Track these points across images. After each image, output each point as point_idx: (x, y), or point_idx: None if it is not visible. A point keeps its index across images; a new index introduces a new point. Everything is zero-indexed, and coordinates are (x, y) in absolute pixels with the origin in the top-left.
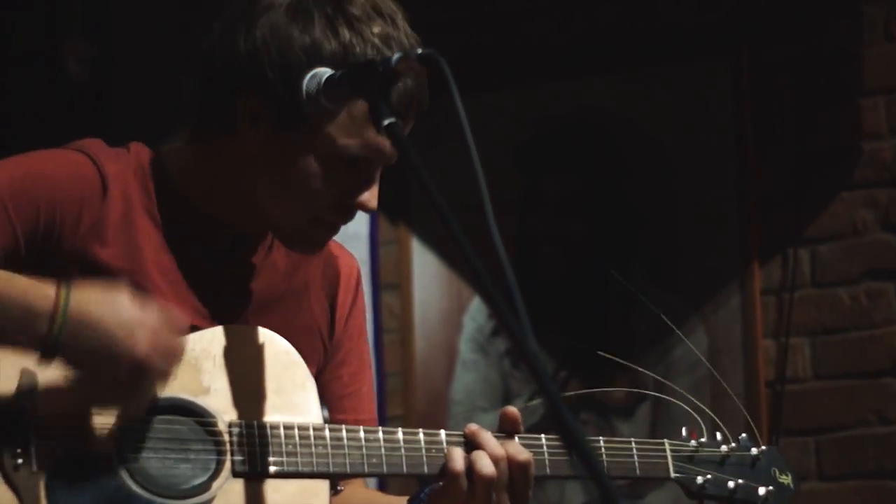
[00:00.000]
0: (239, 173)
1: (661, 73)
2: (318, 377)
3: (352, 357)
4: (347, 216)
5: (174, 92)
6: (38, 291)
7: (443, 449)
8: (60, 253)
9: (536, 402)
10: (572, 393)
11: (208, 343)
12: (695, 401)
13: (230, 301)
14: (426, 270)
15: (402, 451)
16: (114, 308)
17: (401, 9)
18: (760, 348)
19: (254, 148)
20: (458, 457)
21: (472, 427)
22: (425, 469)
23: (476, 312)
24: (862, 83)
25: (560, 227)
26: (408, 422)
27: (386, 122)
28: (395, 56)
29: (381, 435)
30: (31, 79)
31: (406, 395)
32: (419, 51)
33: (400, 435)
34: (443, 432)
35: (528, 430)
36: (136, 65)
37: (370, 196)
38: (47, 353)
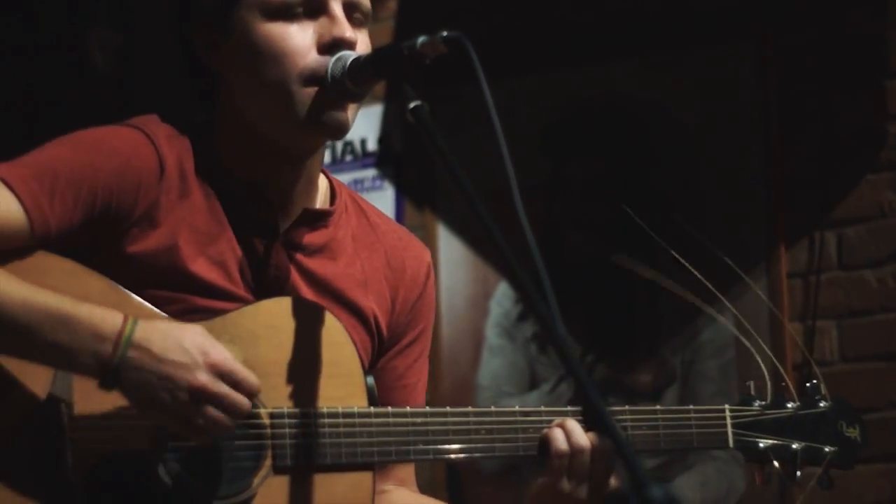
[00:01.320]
0: (239, 109)
1: (686, 56)
2: (370, 365)
3: (412, 350)
4: (330, 53)
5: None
6: (106, 316)
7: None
8: (113, 236)
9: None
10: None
11: (251, 320)
12: (773, 358)
13: (280, 279)
14: (452, 256)
15: (451, 433)
16: (178, 341)
17: None
18: (787, 331)
19: (228, 69)
20: (561, 436)
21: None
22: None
23: (502, 298)
24: (887, 65)
25: (585, 211)
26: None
27: (411, 105)
28: (420, 39)
29: (426, 418)
30: (55, 67)
31: (432, 381)
32: (444, 33)
33: (448, 417)
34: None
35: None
36: (160, 53)
37: (341, 28)
38: (108, 379)
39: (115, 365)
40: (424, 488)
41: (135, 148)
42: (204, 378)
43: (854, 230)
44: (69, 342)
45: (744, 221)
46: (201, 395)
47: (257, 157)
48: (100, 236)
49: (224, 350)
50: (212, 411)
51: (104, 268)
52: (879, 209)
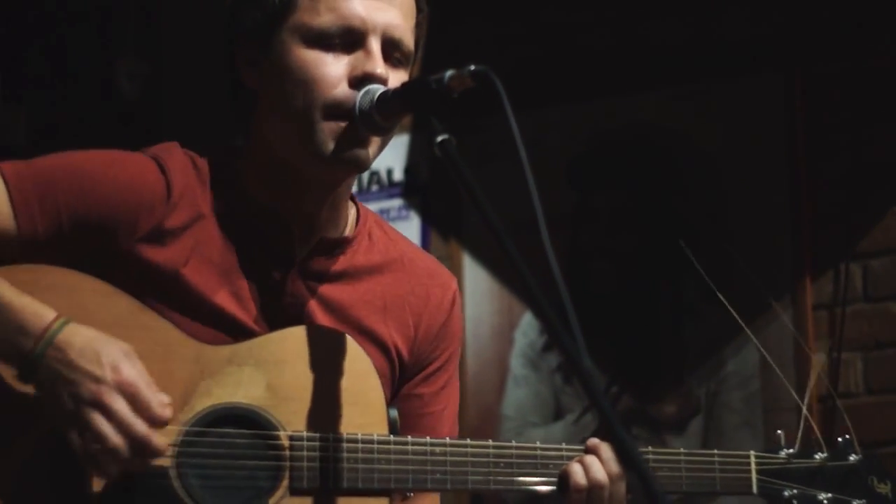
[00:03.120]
0: (268, 134)
1: (713, 88)
2: (391, 392)
3: (437, 378)
4: (359, 88)
5: (225, 108)
6: (38, 312)
7: (510, 464)
8: (116, 253)
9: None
10: None
11: (278, 345)
12: (799, 401)
13: (296, 307)
14: (478, 286)
15: (469, 465)
16: (97, 351)
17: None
18: (812, 363)
19: (264, 89)
20: (581, 471)
21: (591, 441)
22: (490, 485)
23: (527, 328)
24: None
25: (612, 241)
26: (459, 437)
27: (439, 139)
28: (448, 73)
29: (445, 448)
30: (83, 95)
31: (458, 405)
32: (472, 67)
33: (468, 448)
34: (490, 443)
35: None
36: (187, 81)
37: (374, 64)
38: (24, 372)
39: (32, 359)
40: None
41: (141, 173)
42: (104, 391)
43: (879, 262)
44: None
45: (770, 253)
46: (98, 407)
47: (283, 185)
48: (98, 245)
49: (142, 372)
50: (103, 426)
51: (106, 272)
52: None
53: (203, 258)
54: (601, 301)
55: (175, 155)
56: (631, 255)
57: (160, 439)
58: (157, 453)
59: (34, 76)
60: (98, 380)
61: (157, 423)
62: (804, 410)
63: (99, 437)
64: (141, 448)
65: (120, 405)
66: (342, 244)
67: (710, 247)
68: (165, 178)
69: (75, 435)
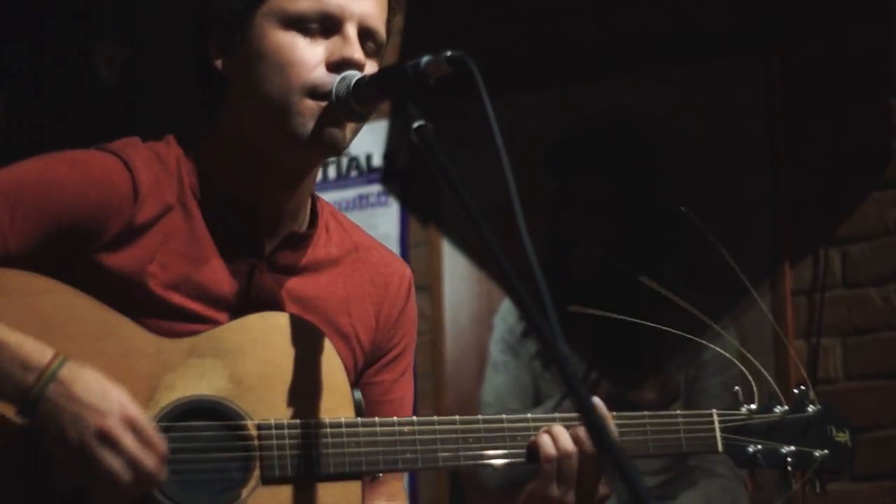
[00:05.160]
0: (240, 121)
1: (692, 73)
2: (353, 382)
3: (396, 365)
4: (336, 72)
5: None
6: (37, 348)
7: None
8: (82, 257)
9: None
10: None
11: (237, 334)
12: (754, 361)
13: (263, 298)
14: (456, 272)
15: (438, 442)
16: (102, 388)
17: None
18: (791, 349)
19: (235, 75)
20: (549, 441)
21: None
22: (461, 461)
23: (506, 314)
24: (893, 83)
25: (591, 227)
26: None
27: (415, 125)
28: (424, 59)
29: (413, 427)
30: (61, 81)
31: (436, 397)
32: (448, 53)
33: (436, 425)
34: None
35: None
36: (166, 67)
37: (351, 49)
38: (26, 408)
39: (35, 396)
40: None
41: (106, 173)
42: (113, 424)
43: (859, 248)
44: None
45: (748, 238)
46: (106, 441)
47: (250, 174)
48: (66, 252)
49: (142, 413)
50: (112, 461)
51: (74, 279)
52: (884, 227)
53: (171, 251)
54: (580, 286)
55: (138, 150)
56: (610, 241)
57: (164, 472)
58: (158, 485)
59: (13, 62)
60: (103, 413)
61: (161, 457)
62: (758, 365)
63: (108, 472)
64: (148, 482)
65: (129, 440)
66: (305, 238)
67: (688, 232)
68: (131, 176)
69: (82, 469)
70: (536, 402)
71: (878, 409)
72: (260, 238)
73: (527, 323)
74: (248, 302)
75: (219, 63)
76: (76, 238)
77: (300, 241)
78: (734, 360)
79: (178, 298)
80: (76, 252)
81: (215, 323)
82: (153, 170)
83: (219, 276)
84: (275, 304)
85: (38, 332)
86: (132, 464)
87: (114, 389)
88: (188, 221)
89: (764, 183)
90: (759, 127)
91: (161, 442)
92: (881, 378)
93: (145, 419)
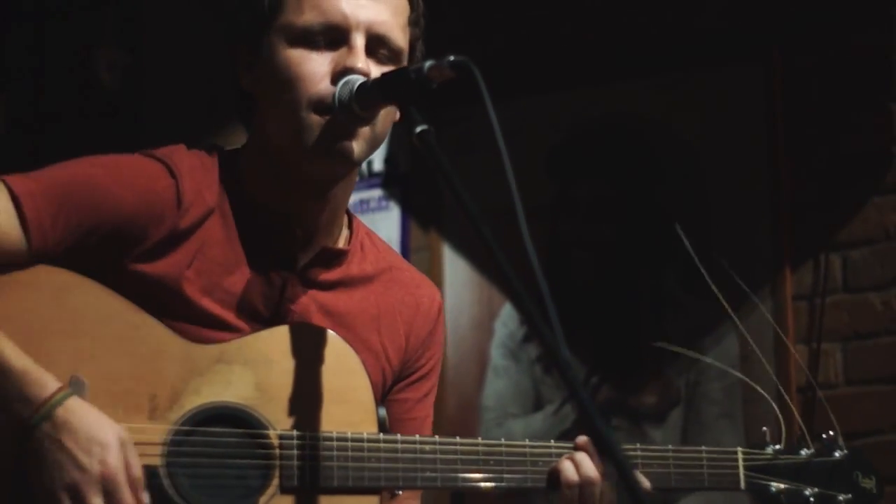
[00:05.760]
0: (266, 135)
1: (692, 77)
2: (380, 400)
3: (421, 385)
4: (341, 78)
5: (205, 98)
6: (39, 380)
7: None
8: (121, 261)
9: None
10: None
11: (266, 344)
12: (786, 397)
13: (294, 312)
14: (457, 277)
15: (459, 463)
16: (86, 439)
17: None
18: (792, 354)
19: (258, 91)
20: (572, 468)
21: (580, 439)
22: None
23: (507, 318)
24: (893, 88)
25: (592, 231)
26: (439, 428)
27: (418, 129)
28: (427, 64)
29: (435, 446)
30: (63, 85)
31: (437, 402)
32: (452, 58)
33: (457, 446)
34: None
35: (560, 437)
36: (167, 72)
37: (354, 58)
38: (20, 437)
39: (27, 428)
40: None
41: (152, 179)
42: (84, 483)
43: (859, 253)
44: None
45: (749, 243)
46: (74, 498)
47: (282, 187)
48: (106, 256)
49: (132, 466)
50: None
51: (108, 281)
52: (885, 232)
53: (207, 258)
54: (581, 291)
55: (183, 156)
56: (610, 245)
57: None
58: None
59: (14, 66)
60: (82, 468)
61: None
62: (792, 406)
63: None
64: None
65: (96, 501)
66: (340, 255)
67: (689, 237)
68: (175, 182)
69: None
70: (537, 406)
71: (879, 413)
72: (294, 251)
73: (529, 327)
74: (278, 314)
75: (245, 81)
76: (116, 242)
77: (335, 258)
78: (732, 370)
79: (210, 305)
80: (114, 256)
81: (244, 332)
82: (196, 177)
83: (251, 287)
84: (305, 317)
85: (67, 329)
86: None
87: (103, 440)
88: (226, 230)
89: (764, 188)
90: (759, 132)
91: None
92: (881, 383)
93: (126, 480)
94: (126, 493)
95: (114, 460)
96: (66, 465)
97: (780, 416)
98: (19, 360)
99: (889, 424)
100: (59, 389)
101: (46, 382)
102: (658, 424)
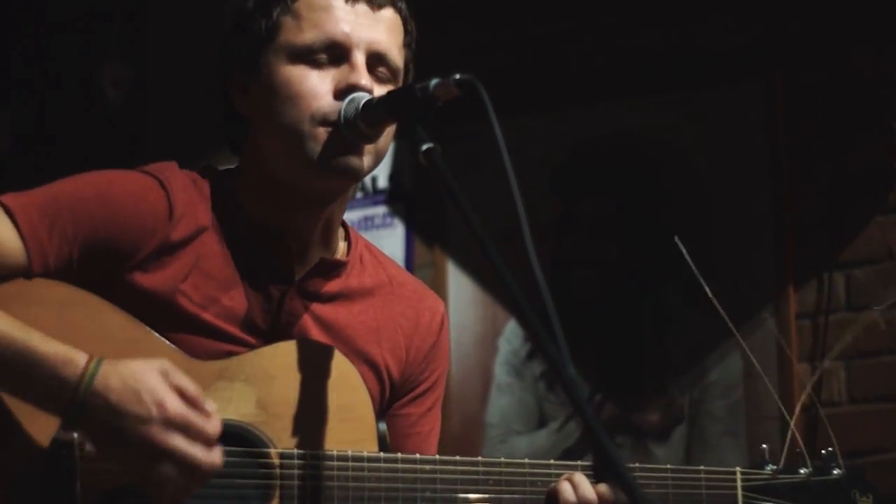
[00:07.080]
0: (262, 154)
1: (696, 96)
2: (379, 413)
3: (424, 399)
4: (344, 99)
5: (209, 115)
6: (69, 359)
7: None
8: (118, 276)
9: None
10: None
11: (268, 360)
12: (785, 414)
13: (292, 325)
14: (461, 294)
15: (458, 483)
16: (136, 391)
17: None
18: (795, 372)
19: (254, 112)
20: (570, 489)
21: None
22: None
23: (511, 336)
24: None
25: (595, 248)
26: (443, 445)
27: (424, 147)
28: (433, 82)
29: (434, 466)
30: (66, 101)
31: (441, 419)
32: (457, 76)
33: (455, 466)
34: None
35: (564, 454)
36: (171, 89)
37: (358, 75)
38: (70, 421)
39: (75, 409)
40: None
41: (143, 192)
42: (155, 433)
43: (863, 271)
44: (31, 384)
45: (753, 262)
46: (153, 453)
47: (278, 204)
48: (101, 269)
49: (184, 386)
50: (165, 469)
51: (107, 296)
52: (888, 251)
53: (202, 272)
54: (584, 309)
55: (175, 172)
56: (614, 263)
57: (218, 457)
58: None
59: (19, 81)
60: (143, 420)
61: (212, 443)
62: (791, 425)
63: (166, 481)
64: (206, 475)
65: (176, 442)
66: (338, 267)
67: (692, 255)
68: (167, 195)
69: (141, 480)
70: (541, 423)
71: (882, 431)
72: (290, 264)
73: (534, 345)
74: (278, 327)
75: (240, 104)
76: (111, 254)
77: (333, 269)
78: (760, 370)
79: (209, 317)
80: (110, 270)
81: (246, 344)
82: (189, 192)
83: (249, 301)
84: (304, 330)
85: (68, 344)
86: (186, 466)
87: (148, 385)
88: (221, 247)
89: (768, 206)
90: (762, 150)
91: (206, 425)
92: (884, 401)
93: (182, 409)
94: (194, 418)
95: (165, 396)
96: (127, 426)
97: (782, 434)
98: (43, 342)
99: (892, 442)
100: (90, 359)
101: (74, 357)
102: (661, 442)
